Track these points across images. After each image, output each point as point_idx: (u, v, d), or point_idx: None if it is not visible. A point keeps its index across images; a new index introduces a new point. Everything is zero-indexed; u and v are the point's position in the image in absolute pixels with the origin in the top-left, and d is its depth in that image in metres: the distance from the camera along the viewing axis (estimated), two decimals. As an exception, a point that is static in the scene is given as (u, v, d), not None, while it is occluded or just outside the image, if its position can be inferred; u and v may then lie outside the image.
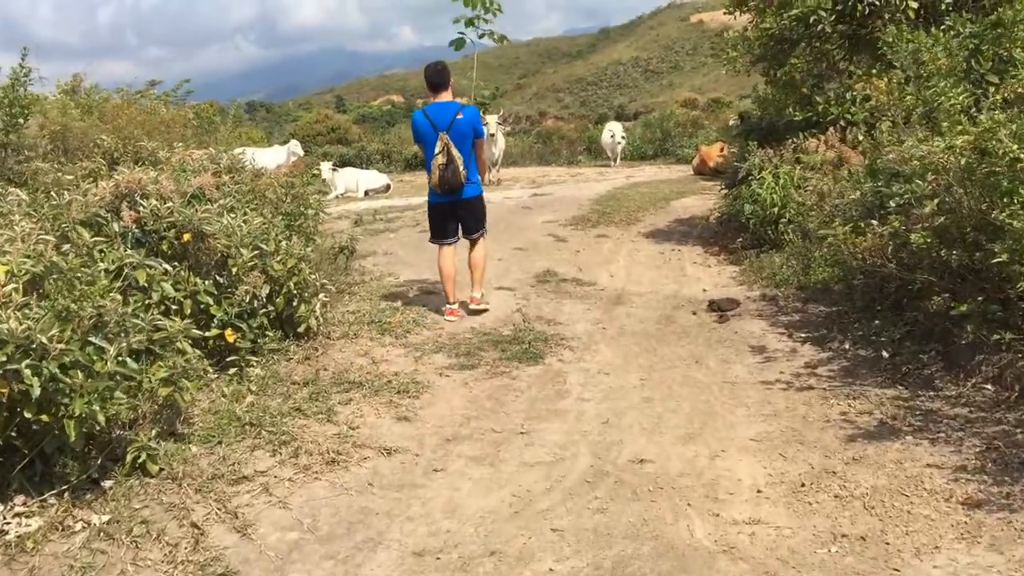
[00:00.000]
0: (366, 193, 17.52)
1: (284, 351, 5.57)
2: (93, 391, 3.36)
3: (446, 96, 6.46)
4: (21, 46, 7.82)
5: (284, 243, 5.80)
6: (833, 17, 8.28)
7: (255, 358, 5.28)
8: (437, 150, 6.31)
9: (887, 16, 8.35)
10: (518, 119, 40.45)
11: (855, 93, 8.28)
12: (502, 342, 6.01)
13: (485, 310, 6.77)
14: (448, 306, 6.72)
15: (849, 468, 3.77)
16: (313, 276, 5.85)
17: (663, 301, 7.14)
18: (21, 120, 7.89)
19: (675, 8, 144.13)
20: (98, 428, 3.46)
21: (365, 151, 26.51)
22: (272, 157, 18.04)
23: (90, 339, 3.50)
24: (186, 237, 5.01)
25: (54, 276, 3.70)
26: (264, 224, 5.85)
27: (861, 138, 7.22)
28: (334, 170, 17.80)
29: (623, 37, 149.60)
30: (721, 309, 6.60)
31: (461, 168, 6.33)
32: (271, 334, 5.54)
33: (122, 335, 3.61)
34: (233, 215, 5.66)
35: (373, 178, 18.29)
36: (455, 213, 6.67)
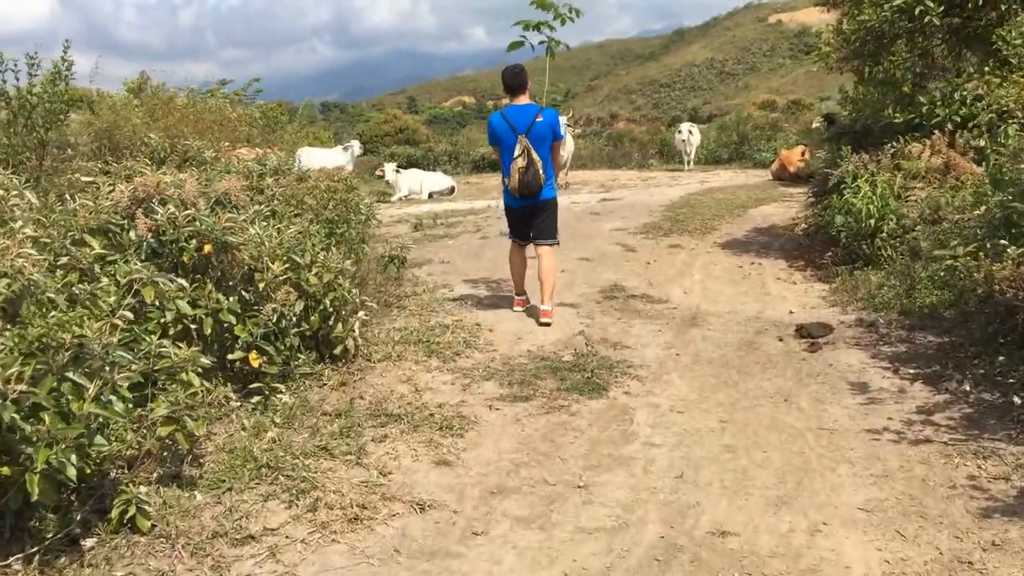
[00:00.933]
0: (430, 195, 17.06)
1: (317, 376, 5.01)
2: (63, 439, 2.81)
3: (524, 99, 6.35)
4: (64, 40, 7.47)
5: (322, 254, 5.24)
6: (942, 8, 7.39)
7: (283, 385, 4.73)
8: (517, 153, 6.16)
9: (1003, 8, 7.45)
10: (589, 121, 39.66)
11: (965, 92, 7.39)
12: (561, 369, 5.34)
13: (550, 324, 6.36)
14: (517, 297, 6.83)
15: (989, 557, 3.00)
16: (353, 292, 5.28)
17: (744, 323, 6.38)
18: (62, 116, 7.52)
19: (752, 8, 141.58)
20: (71, 484, 2.91)
21: (432, 152, 26.15)
22: (331, 157, 17.75)
23: (67, 374, 2.96)
24: (207, 248, 4.47)
25: (34, 297, 3.17)
26: (300, 233, 5.30)
27: (984, 143, 6.35)
28: (397, 171, 17.38)
29: (698, 38, 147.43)
30: (812, 335, 5.82)
31: (541, 171, 6.19)
32: (304, 356, 4.99)
33: (106, 369, 3.06)
34: (266, 223, 5.13)
35: (438, 180, 17.81)
36: (529, 216, 6.53)
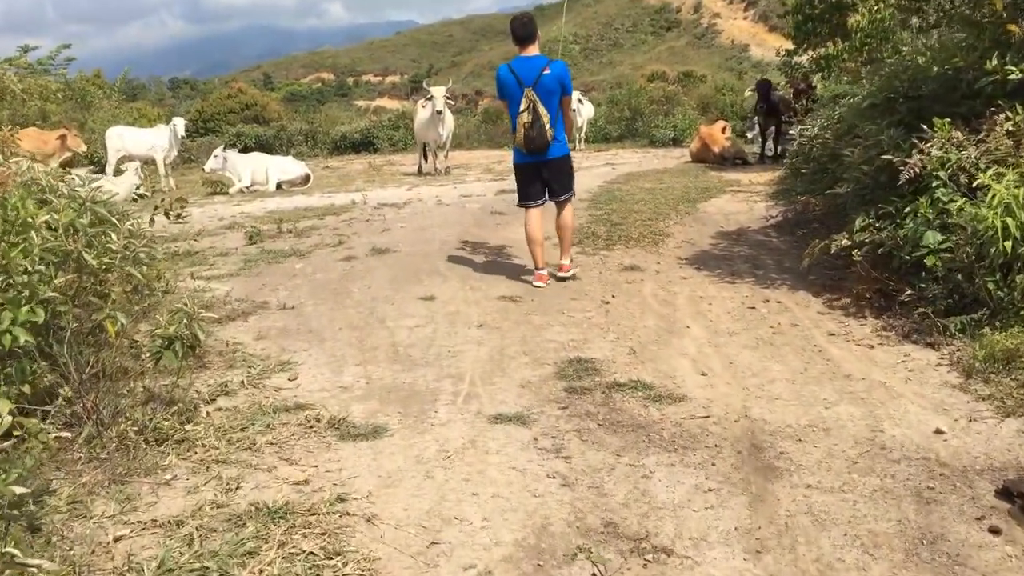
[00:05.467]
0: (279, 186, 13.40)
1: None
2: None
3: (533, 50, 6.09)
4: None
5: None
6: None
7: None
8: (522, 107, 5.98)
9: None
10: (455, 97, 36.49)
11: None
12: None
13: (575, 276, 6.36)
14: (537, 271, 6.32)
15: None
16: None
17: (866, 465, 3.28)
18: None
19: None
20: None
21: (286, 131, 22.29)
22: (148, 138, 13.90)
23: None
24: None
25: None
26: None
27: None
28: (219, 156, 13.33)
29: (560, 14, 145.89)
30: (1054, 518, 2.80)
31: (548, 126, 5.98)
32: None
33: None
34: None
35: (287, 167, 14.10)
36: (540, 174, 6.28)
